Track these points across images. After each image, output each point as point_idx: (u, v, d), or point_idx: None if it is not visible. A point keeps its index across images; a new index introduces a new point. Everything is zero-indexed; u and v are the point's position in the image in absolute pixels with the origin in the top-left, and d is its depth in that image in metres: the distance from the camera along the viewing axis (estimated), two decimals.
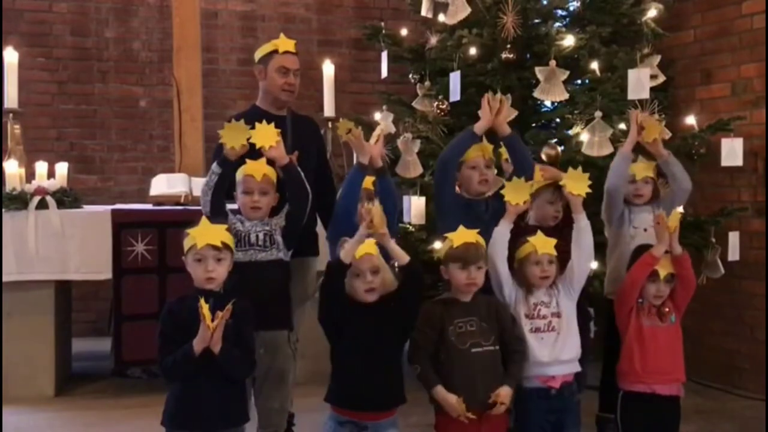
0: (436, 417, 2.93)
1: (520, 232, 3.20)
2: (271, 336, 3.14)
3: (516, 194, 3.14)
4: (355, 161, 3.36)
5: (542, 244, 3.02)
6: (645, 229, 3.45)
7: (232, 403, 2.72)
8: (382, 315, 2.78)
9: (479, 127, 3.37)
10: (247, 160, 3.18)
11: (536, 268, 3.03)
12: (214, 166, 3.19)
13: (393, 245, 2.79)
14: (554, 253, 3.04)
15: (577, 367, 3.09)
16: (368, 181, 3.38)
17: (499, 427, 2.94)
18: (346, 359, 2.79)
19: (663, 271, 3.13)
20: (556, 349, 3.02)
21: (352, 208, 3.26)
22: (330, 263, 2.79)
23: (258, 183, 3.16)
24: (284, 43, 3.67)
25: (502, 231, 3.11)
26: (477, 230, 2.97)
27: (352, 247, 2.72)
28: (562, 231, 3.25)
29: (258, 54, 3.72)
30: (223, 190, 3.20)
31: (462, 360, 2.86)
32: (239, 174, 3.18)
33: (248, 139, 3.14)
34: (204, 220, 2.76)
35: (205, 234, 2.69)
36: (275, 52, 3.65)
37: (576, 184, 3.11)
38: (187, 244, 2.71)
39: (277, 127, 3.62)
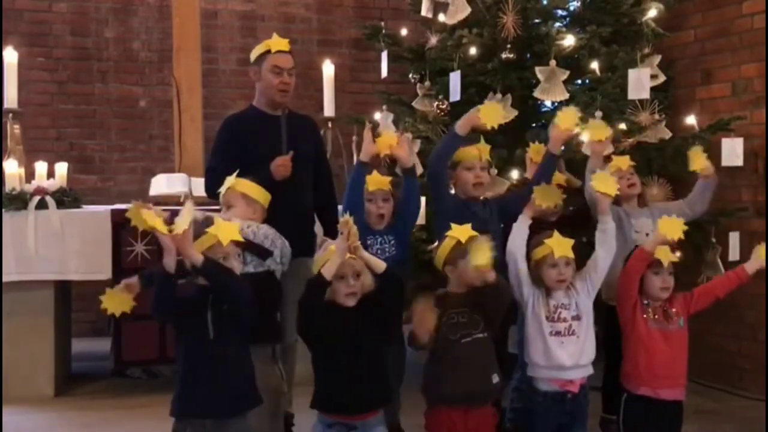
0: (425, 414, 2.94)
1: (532, 227, 3.20)
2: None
3: (546, 198, 3.15)
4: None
5: (559, 247, 2.97)
6: (647, 234, 3.43)
7: (243, 386, 2.73)
8: (362, 316, 2.77)
9: (461, 126, 3.31)
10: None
11: (553, 271, 3.00)
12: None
13: (368, 255, 2.80)
14: (571, 255, 3.00)
15: (591, 370, 3.08)
16: (384, 182, 3.37)
17: (487, 422, 2.94)
18: (328, 364, 2.78)
19: (666, 259, 3.07)
20: (576, 354, 3.01)
21: (356, 206, 3.25)
22: (310, 280, 2.75)
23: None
24: (276, 43, 3.66)
25: (521, 226, 3.10)
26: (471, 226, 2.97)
27: (333, 263, 2.70)
28: (563, 227, 3.26)
29: (252, 55, 3.72)
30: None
31: (453, 350, 2.85)
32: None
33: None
34: (217, 218, 2.76)
35: (228, 231, 2.67)
36: (268, 52, 3.64)
37: (604, 184, 3.10)
38: (205, 243, 2.67)
39: (271, 126, 3.61)
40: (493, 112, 3.26)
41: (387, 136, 3.37)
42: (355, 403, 2.76)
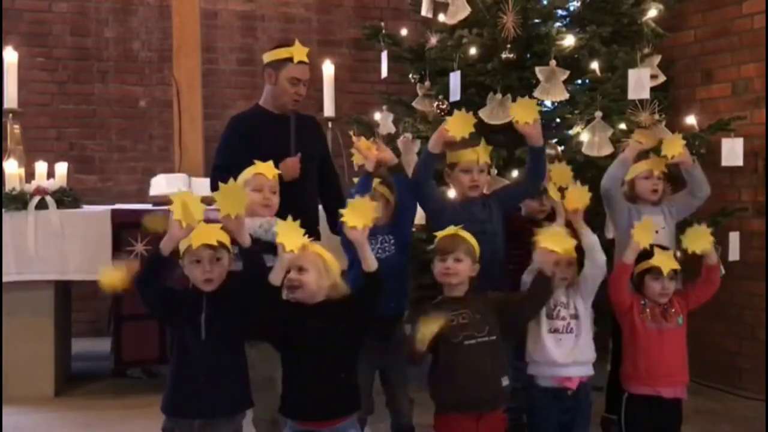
0: (435, 417, 2.93)
1: (529, 224, 3.24)
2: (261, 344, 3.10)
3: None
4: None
5: (561, 245, 2.96)
6: (657, 231, 3.42)
7: (233, 388, 2.71)
8: (330, 319, 2.67)
9: (432, 145, 3.30)
10: (257, 162, 3.16)
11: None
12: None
13: (366, 248, 2.70)
14: (575, 255, 3.01)
15: (591, 369, 3.09)
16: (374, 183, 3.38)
17: (497, 426, 2.93)
18: (292, 367, 2.70)
19: (666, 267, 3.09)
20: (574, 351, 3.03)
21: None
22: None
23: (269, 181, 3.14)
24: (299, 52, 3.64)
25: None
26: (471, 231, 2.98)
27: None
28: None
29: (270, 56, 3.70)
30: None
31: (455, 353, 2.82)
32: (248, 173, 3.13)
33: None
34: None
35: (200, 234, 2.63)
36: (290, 60, 3.63)
37: (576, 197, 3.13)
38: (182, 245, 2.67)
39: (279, 127, 3.62)
40: (461, 123, 3.20)
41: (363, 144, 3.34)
42: (318, 409, 2.66)
